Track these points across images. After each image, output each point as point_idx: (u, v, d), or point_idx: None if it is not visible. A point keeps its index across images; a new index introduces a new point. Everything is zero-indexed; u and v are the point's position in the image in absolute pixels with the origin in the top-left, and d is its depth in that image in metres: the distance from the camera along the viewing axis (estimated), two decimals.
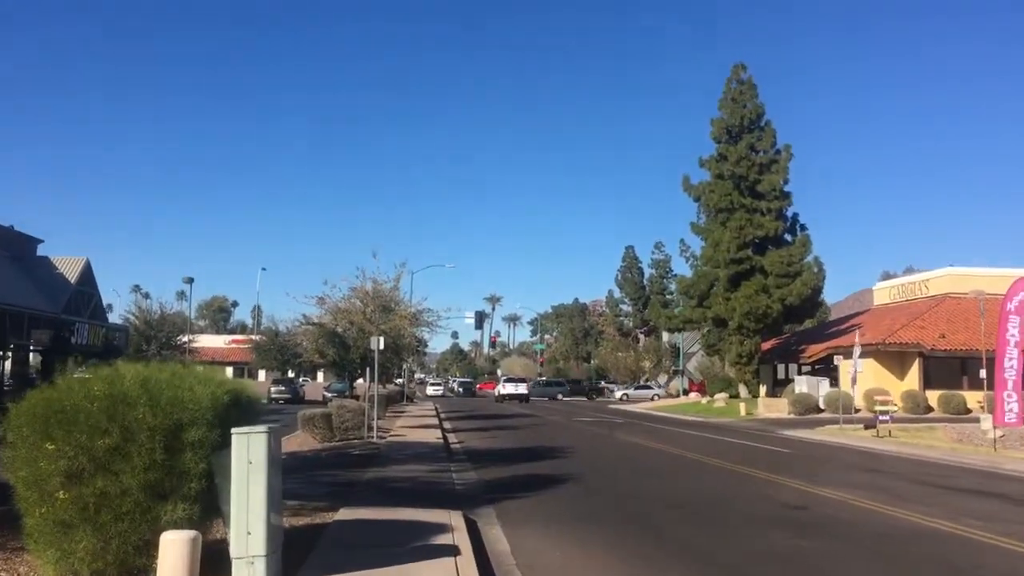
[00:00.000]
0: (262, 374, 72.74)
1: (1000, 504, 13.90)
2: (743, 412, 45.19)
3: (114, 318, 63.43)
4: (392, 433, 27.00)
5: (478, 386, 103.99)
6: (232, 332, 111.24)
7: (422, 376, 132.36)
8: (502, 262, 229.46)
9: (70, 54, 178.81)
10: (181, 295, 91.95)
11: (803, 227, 53.15)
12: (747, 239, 51.01)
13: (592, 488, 15.27)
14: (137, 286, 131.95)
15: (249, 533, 6.64)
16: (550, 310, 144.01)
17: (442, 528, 10.03)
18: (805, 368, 52.96)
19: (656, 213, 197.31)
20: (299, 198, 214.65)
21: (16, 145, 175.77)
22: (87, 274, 39.05)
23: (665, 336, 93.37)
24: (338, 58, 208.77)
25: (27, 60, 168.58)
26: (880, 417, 30.23)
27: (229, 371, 79.46)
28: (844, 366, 45.86)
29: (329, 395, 54.13)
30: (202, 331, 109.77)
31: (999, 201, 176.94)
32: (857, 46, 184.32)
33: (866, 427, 32.42)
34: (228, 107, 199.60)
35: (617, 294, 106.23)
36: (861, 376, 35.63)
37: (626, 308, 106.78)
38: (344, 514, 11.01)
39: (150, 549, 6.84)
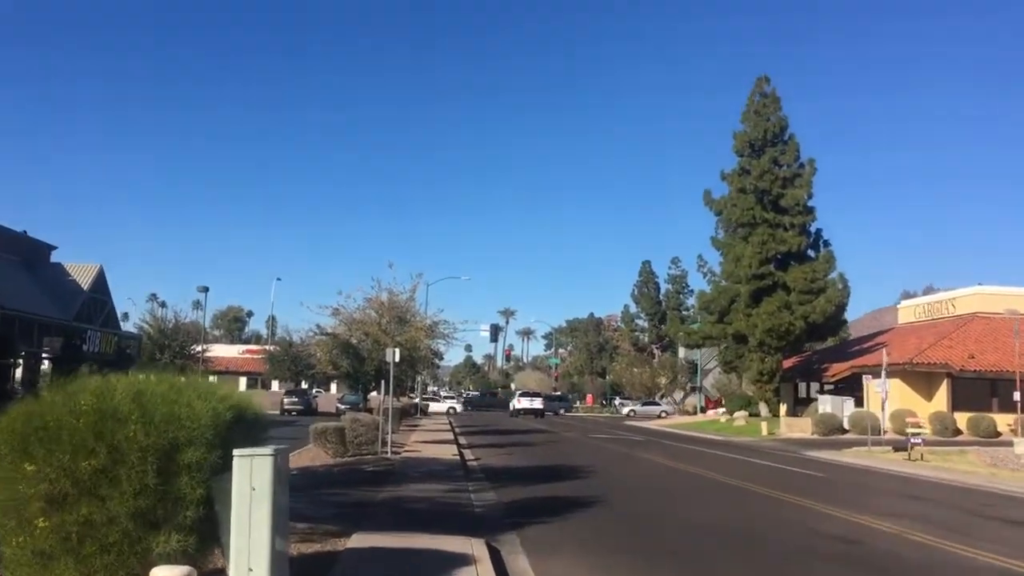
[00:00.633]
0: (275, 385, 72.29)
1: None
2: (765, 431, 44.16)
3: (129, 327, 63.07)
4: (406, 448, 26.21)
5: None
6: (247, 342, 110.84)
7: (435, 389, 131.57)
8: (516, 276, 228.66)
9: (90, 62, 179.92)
10: (197, 304, 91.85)
11: (826, 243, 52.18)
12: (769, 254, 50.06)
13: (620, 512, 14.39)
14: (154, 295, 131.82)
15: (251, 570, 5.85)
16: (564, 324, 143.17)
17: (464, 560, 9.18)
18: (828, 387, 51.90)
19: (672, 228, 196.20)
20: (315, 209, 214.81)
21: (34, 151, 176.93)
22: (100, 281, 38.53)
23: (681, 352, 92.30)
24: (354, 67, 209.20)
25: (45, 67, 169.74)
26: (912, 440, 29.26)
27: (243, 381, 79.32)
28: (870, 386, 44.86)
29: (343, 407, 53.44)
30: (217, 341, 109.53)
31: (1019, 219, 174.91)
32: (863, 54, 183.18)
33: (896, 450, 31.46)
34: (245, 116, 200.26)
35: (633, 309, 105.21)
36: (868, 397, 34.62)
37: (642, 323, 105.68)
38: (357, 541, 10.19)
39: None
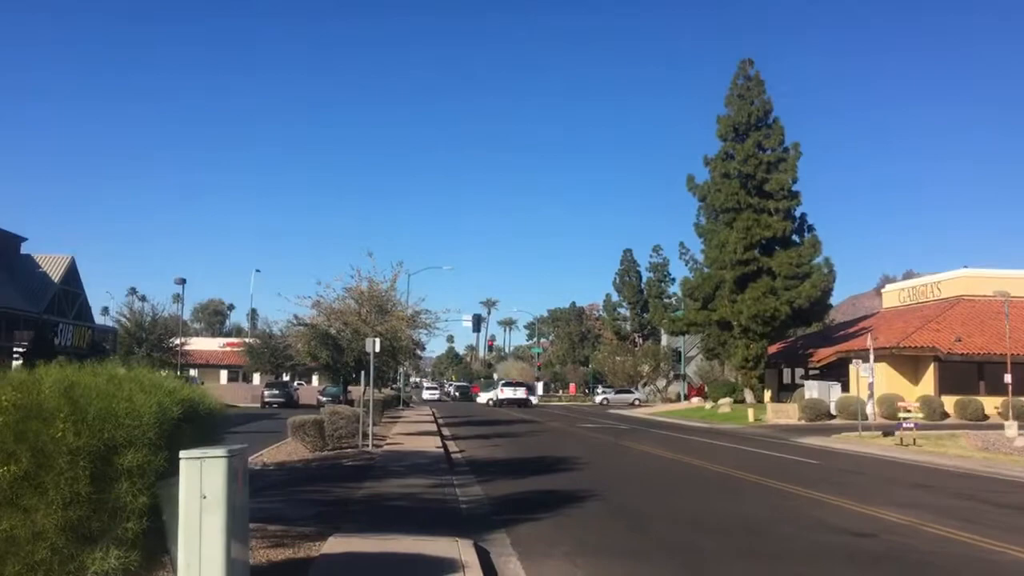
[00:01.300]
0: (256, 377, 71.15)
1: None
2: (751, 418, 43.65)
3: (109, 321, 61.66)
4: (388, 441, 25.37)
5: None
6: (228, 335, 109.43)
7: (418, 380, 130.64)
8: (497, 267, 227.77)
9: (59, 51, 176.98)
10: (177, 298, 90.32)
11: (811, 228, 51.71)
12: (754, 240, 49.49)
13: (616, 507, 13.62)
14: (133, 288, 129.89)
15: None
16: (546, 314, 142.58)
17: (451, 565, 8.35)
18: (813, 373, 51.47)
19: (653, 217, 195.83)
20: (294, 200, 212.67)
21: (10, 144, 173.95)
22: (72, 273, 37.35)
23: (664, 340, 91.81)
24: (332, 56, 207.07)
25: (19, 56, 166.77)
26: (904, 425, 28.80)
27: (223, 374, 78.14)
28: (855, 371, 44.47)
29: (324, 399, 52.51)
30: (197, 334, 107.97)
31: (994, 204, 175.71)
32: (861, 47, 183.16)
33: (886, 435, 31.01)
34: (222, 104, 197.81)
35: (615, 298, 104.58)
36: (857, 381, 34.15)
37: (624, 312, 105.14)
38: (334, 544, 9.34)
39: None
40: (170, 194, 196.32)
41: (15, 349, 35.01)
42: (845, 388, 44.67)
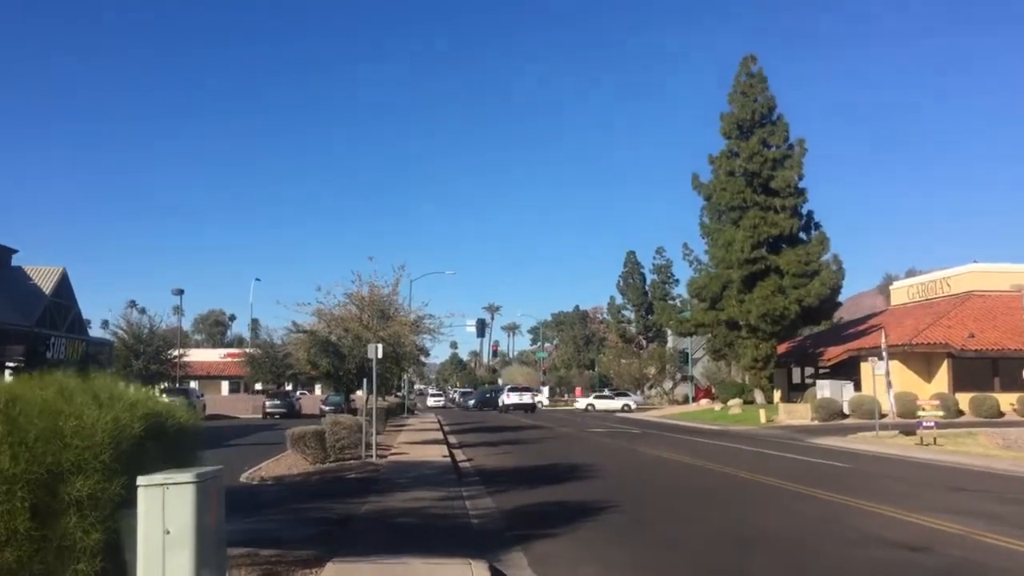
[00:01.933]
0: (258, 388, 70.26)
1: None
2: (763, 419, 42.70)
3: (108, 335, 60.74)
4: (393, 451, 24.45)
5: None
6: (229, 346, 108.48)
7: (422, 387, 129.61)
8: (500, 271, 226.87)
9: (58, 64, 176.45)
10: (178, 309, 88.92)
11: (817, 225, 50.76)
12: (761, 238, 48.55)
13: (640, 520, 12.66)
14: (133, 302, 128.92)
15: None
16: (550, 318, 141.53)
17: None
18: (823, 372, 50.54)
19: (655, 219, 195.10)
20: (295, 209, 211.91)
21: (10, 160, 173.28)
22: (64, 285, 36.45)
23: (670, 341, 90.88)
24: (332, 60, 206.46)
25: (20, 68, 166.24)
26: (924, 423, 27.87)
27: (225, 385, 77.21)
28: (866, 369, 43.53)
29: (327, 408, 51.58)
30: (198, 345, 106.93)
31: (996, 200, 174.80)
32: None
33: (904, 434, 30.12)
34: (221, 115, 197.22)
35: (619, 300, 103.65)
36: (873, 380, 33.20)
37: (628, 314, 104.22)
38: (332, 571, 8.42)
39: None
40: (169, 207, 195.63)
41: (7, 364, 34.09)
42: (857, 387, 43.79)
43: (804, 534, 11.32)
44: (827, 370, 49.62)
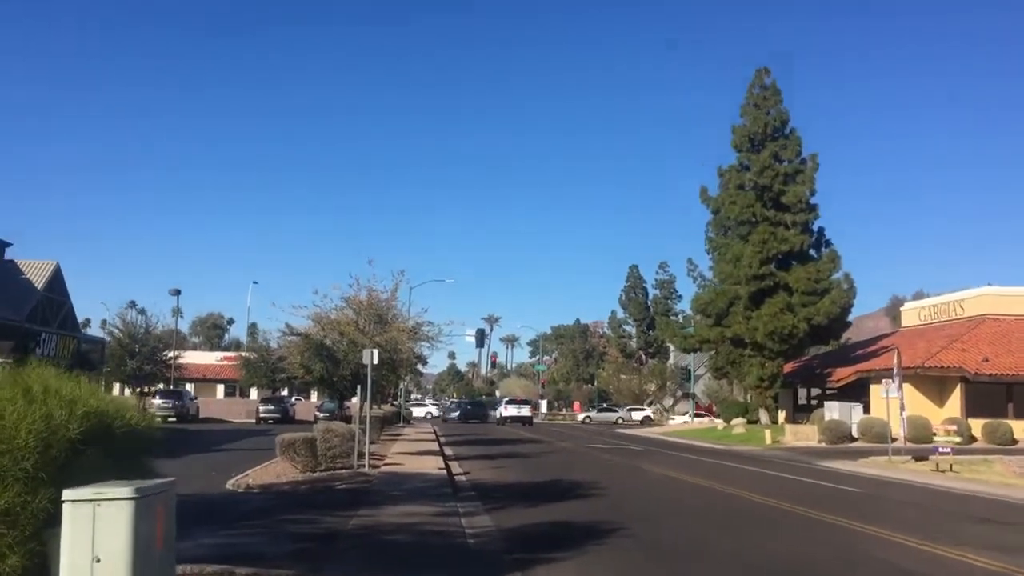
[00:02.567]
0: (254, 392, 69.31)
1: None
2: (768, 440, 41.64)
3: (105, 334, 59.76)
4: (387, 461, 23.48)
5: None
6: (227, 349, 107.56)
7: (419, 396, 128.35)
8: (500, 283, 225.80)
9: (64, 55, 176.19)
10: (176, 311, 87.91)
11: (828, 242, 49.82)
12: (770, 254, 47.56)
13: (650, 545, 11.68)
14: (133, 302, 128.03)
15: None
16: (550, 331, 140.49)
17: None
18: (830, 393, 49.52)
19: (658, 234, 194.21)
20: (296, 215, 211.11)
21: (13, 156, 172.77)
22: (56, 280, 35.55)
23: (671, 358, 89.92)
24: (336, 64, 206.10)
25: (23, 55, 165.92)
26: (939, 449, 26.91)
27: (220, 389, 76.24)
28: (876, 391, 42.54)
29: (321, 415, 50.61)
30: (196, 348, 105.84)
31: (1005, 222, 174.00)
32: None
33: (915, 459, 29.16)
34: (226, 112, 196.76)
35: (620, 315, 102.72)
36: (887, 403, 32.20)
37: (629, 329, 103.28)
38: None
39: None
40: (171, 207, 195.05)
41: None
42: (866, 409, 42.79)
43: (831, 567, 10.36)
44: (834, 391, 48.62)
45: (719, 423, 55.23)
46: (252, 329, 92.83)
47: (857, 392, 44.93)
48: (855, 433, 40.76)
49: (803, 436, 41.79)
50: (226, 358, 79.30)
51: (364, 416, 22.23)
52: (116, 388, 63.86)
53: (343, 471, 19.85)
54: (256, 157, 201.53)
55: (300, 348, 24.99)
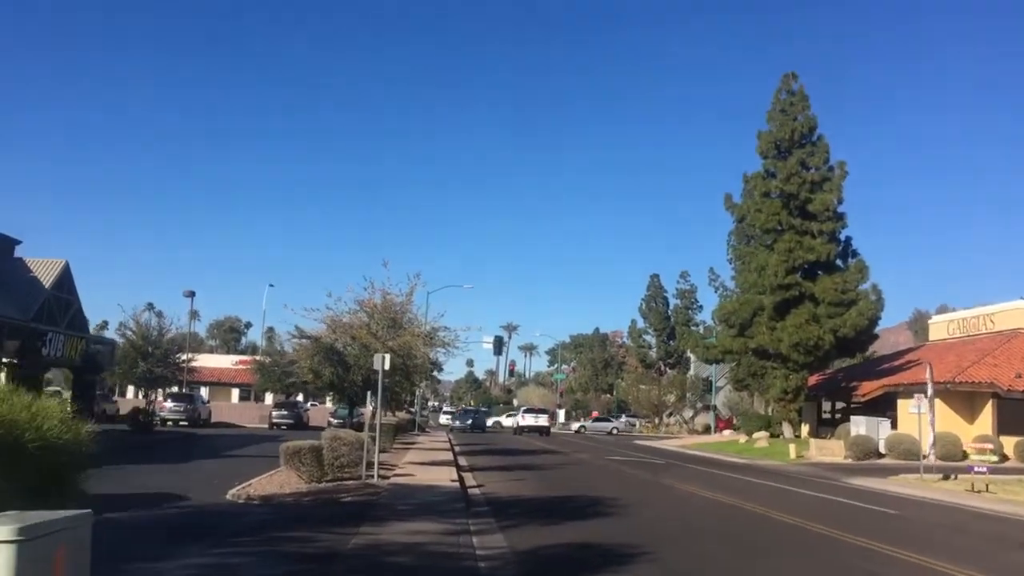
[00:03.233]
0: (269, 397, 68.49)
1: None
2: (793, 455, 40.32)
3: (117, 335, 59.15)
4: (397, 471, 22.47)
5: None
6: (243, 353, 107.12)
7: (436, 404, 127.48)
8: (519, 290, 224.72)
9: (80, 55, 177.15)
10: (193, 314, 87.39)
11: (855, 252, 48.51)
12: (796, 263, 46.29)
13: (681, 573, 10.61)
14: (151, 304, 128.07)
15: None
16: (568, 340, 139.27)
17: None
18: (855, 407, 48.09)
19: (679, 244, 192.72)
20: (312, 221, 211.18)
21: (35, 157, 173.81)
22: (66, 279, 34.76)
23: (692, 369, 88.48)
24: (356, 67, 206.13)
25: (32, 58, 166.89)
26: (975, 468, 25.62)
27: (235, 393, 75.48)
28: (903, 406, 41.19)
29: (335, 422, 49.73)
30: (212, 351, 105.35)
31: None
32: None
33: (944, 478, 27.92)
34: (242, 110, 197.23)
35: (640, 324, 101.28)
36: (919, 418, 30.92)
37: (649, 339, 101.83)
38: None
39: None
40: (188, 210, 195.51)
41: (3, 359, 32.45)
42: (893, 425, 41.42)
43: None
44: (859, 405, 47.22)
45: (741, 437, 53.85)
46: (269, 333, 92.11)
47: (882, 407, 43.56)
48: (882, 449, 39.40)
49: (828, 451, 40.44)
50: (241, 362, 78.58)
51: (376, 424, 21.28)
52: (130, 391, 63.50)
53: (350, 482, 18.88)
54: (278, 157, 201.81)
55: (310, 352, 24.06)
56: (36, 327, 32.18)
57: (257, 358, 65.47)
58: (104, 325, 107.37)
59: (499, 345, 78.12)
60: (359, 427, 26.53)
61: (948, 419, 39.86)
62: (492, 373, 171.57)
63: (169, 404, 51.57)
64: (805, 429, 50.57)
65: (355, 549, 10.74)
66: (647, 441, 60.57)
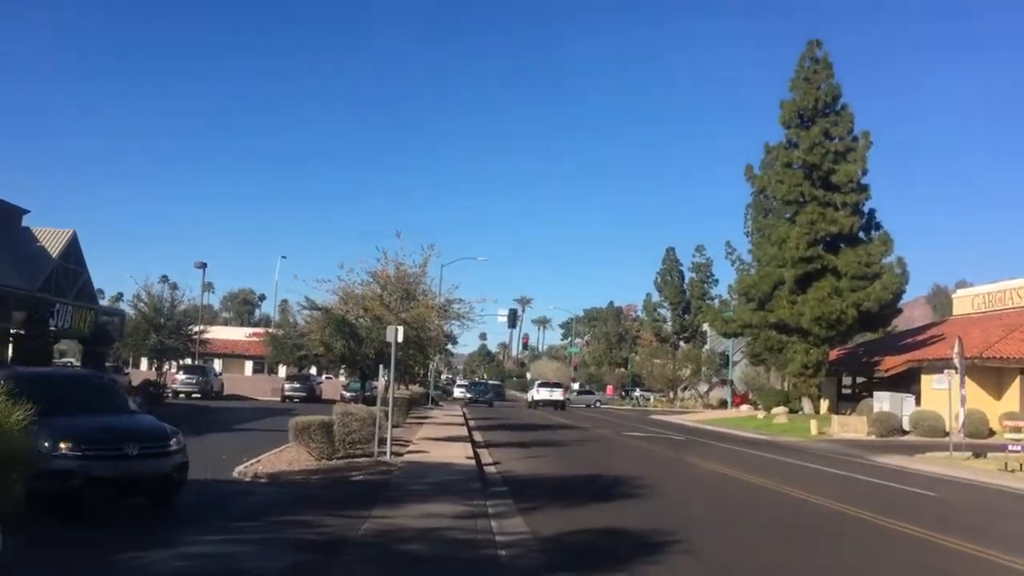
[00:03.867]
0: (282, 370, 68.02)
1: None
2: (814, 431, 39.44)
3: (129, 307, 58.67)
4: (411, 448, 21.73)
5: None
6: (257, 325, 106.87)
7: (450, 377, 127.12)
8: (533, 263, 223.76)
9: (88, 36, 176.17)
10: (208, 286, 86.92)
11: (878, 225, 47.31)
12: (818, 235, 45.17)
13: (713, 564, 9.81)
14: (165, 276, 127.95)
15: None
16: (582, 313, 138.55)
17: None
18: (877, 382, 47.14)
19: (695, 216, 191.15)
20: (327, 194, 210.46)
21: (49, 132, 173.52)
22: (73, 249, 34.19)
23: (708, 343, 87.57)
24: (363, 41, 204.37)
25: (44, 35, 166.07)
26: (1011, 447, 24.68)
27: (248, 365, 75.11)
28: (927, 381, 40.30)
29: (348, 395, 49.15)
30: (226, 323, 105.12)
31: None
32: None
33: (975, 456, 27.02)
34: (258, 89, 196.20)
35: (655, 298, 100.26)
36: (949, 394, 29.96)
37: (664, 313, 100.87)
38: None
39: None
40: (202, 181, 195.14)
41: (10, 329, 31.93)
42: (916, 401, 40.49)
43: None
44: (880, 381, 46.27)
45: (760, 412, 53.00)
46: (283, 305, 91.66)
47: (905, 382, 42.64)
48: (906, 426, 38.53)
49: (850, 428, 39.53)
50: (254, 334, 78.15)
51: (388, 398, 20.54)
52: (144, 363, 63.15)
53: (362, 459, 18.14)
54: (290, 129, 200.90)
55: (320, 324, 23.32)
56: (43, 297, 31.64)
57: (270, 330, 64.97)
58: (119, 297, 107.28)
59: (513, 318, 77.24)
60: (371, 401, 25.84)
61: (974, 395, 38.81)
62: (505, 346, 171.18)
63: (182, 376, 51.10)
64: (824, 404, 49.70)
65: (367, 535, 9.96)
66: (662, 416, 59.80)
